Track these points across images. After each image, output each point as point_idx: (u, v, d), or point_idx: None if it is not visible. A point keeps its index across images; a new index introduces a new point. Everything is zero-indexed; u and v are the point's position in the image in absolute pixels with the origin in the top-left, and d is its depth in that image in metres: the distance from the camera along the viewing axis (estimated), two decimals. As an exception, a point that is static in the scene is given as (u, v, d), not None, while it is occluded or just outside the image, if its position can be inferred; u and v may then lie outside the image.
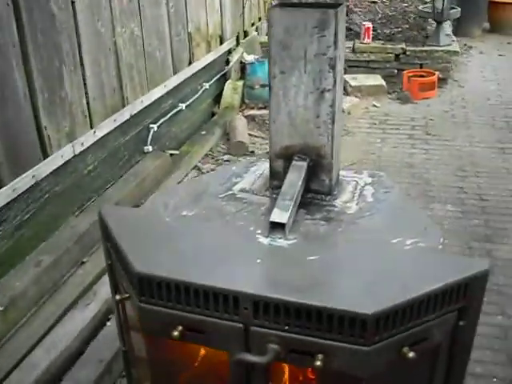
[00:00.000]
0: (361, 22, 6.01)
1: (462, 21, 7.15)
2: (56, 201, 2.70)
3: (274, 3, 1.58)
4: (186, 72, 4.17)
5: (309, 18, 1.49)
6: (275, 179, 1.72)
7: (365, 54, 5.74)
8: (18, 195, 2.41)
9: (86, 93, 2.86)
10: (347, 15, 6.05)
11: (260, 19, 6.30)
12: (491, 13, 8.01)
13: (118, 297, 1.55)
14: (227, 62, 5.11)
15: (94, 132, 2.94)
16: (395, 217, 1.58)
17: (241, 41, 5.50)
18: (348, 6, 6.17)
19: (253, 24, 6.04)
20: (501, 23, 8.00)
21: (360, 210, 1.62)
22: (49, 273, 2.49)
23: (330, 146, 1.62)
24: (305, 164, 1.64)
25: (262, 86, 4.93)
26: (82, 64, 2.80)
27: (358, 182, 1.78)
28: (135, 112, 3.39)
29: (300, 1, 1.51)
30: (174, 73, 3.97)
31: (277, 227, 1.48)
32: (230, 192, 1.75)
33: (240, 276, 1.35)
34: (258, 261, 1.40)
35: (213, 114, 4.87)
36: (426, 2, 6.32)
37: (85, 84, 2.84)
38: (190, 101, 4.26)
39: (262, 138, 4.52)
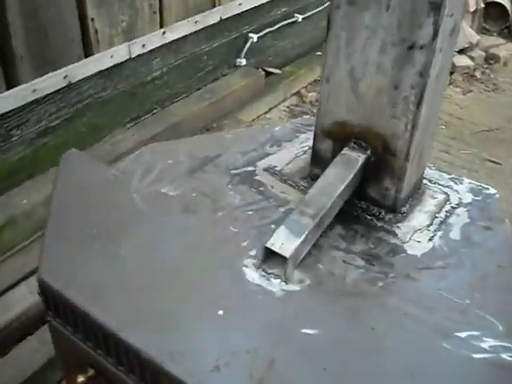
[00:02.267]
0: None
1: None
2: (99, 108, 2.25)
3: None
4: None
5: None
6: (317, 167, 1.11)
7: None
8: (44, 96, 1.96)
9: (162, -20, 2.31)
10: None
11: None
12: None
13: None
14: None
15: (164, 33, 2.40)
16: (483, 284, 0.94)
17: None
18: None
19: None
20: None
21: (431, 252, 0.99)
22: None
23: (407, 138, 0.97)
24: (362, 157, 1.02)
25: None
26: None
27: (449, 197, 1.13)
28: (228, 15, 2.79)
29: None
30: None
31: (275, 259, 0.90)
32: (250, 168, 1.17)
33: (183, 339, 0.80)
34: (220, 312, 0.84)
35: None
36: None
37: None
38: (311, 13, 3.54)
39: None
